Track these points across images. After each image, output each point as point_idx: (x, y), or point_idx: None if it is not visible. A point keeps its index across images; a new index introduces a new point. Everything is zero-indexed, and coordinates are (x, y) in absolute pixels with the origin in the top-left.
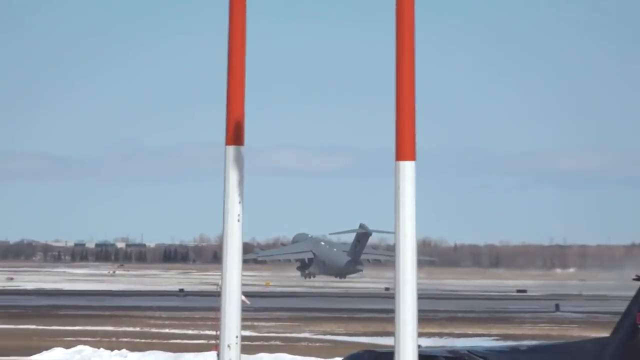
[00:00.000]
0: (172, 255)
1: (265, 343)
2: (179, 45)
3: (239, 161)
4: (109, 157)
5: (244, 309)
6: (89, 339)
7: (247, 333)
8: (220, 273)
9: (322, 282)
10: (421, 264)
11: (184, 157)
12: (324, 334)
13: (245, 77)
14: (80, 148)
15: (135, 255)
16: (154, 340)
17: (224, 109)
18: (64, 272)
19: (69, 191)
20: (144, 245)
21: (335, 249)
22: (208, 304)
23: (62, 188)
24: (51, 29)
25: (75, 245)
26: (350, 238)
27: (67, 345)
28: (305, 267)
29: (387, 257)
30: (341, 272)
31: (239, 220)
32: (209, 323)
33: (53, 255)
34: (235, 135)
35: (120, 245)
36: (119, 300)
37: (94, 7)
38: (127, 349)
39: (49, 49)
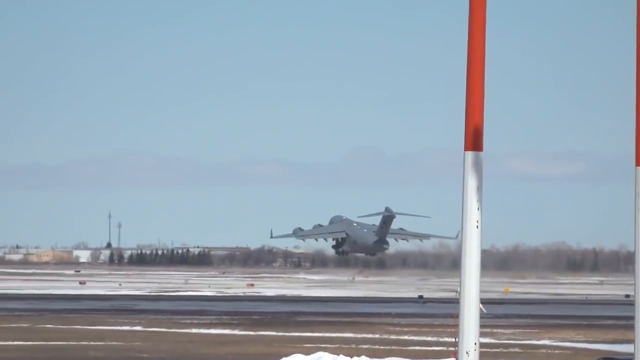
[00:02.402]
0: (409, 262)
1: (504, 350)
2: (415, 51)
3: (478, 167)
4: (348, 164)
5: (482, 316)
6: (329, 345)
7: (485, 340)
8: (459, 280)
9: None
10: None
11: (422, 163)
12: (563, 341)
13: (485, 83)
14: (318, 155)
15: (374, 261)
16: (393, 347)
17: (463, 115)
18: (304, 278)
19: (307, 197)
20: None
21: (365, 230)
22: (447, 310)
23: (300, 194)
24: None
25: (315, 251)
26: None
27: (307, 352)
28: (339, 245)
29: (413, 237)
30: (370, 250)
31: (477, 227)
32: (448, 330)
33: (293, 261)
34: (474, 141)
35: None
36: (358, 307)
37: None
38: (366, 355)
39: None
